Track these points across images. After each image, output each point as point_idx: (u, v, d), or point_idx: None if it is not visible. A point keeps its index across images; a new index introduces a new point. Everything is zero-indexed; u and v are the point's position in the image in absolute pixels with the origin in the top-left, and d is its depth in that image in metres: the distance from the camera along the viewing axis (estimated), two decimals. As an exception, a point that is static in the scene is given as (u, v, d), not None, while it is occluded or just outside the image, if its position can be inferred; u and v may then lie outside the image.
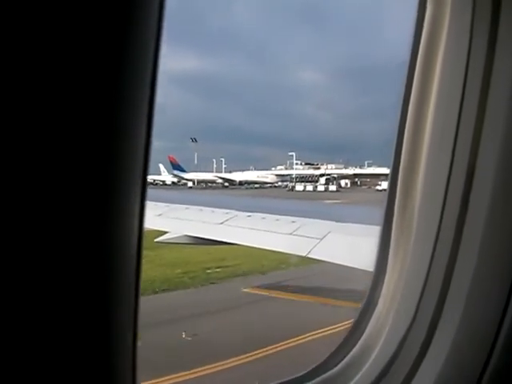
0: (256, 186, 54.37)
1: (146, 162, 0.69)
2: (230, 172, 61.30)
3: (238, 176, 59.80)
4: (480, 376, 1.32)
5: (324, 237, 6.75)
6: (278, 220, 7.76)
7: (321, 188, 50.55)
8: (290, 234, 7.37)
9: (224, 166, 62.21)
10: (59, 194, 0.61)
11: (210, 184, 54.83)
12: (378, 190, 48.44)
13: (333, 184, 56.49)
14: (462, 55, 1.33)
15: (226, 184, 56.51)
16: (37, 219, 0.60)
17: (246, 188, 53.16)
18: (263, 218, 7.83)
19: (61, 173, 0.61)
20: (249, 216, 7.96)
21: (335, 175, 60.01)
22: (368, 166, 59.74)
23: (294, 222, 7.69)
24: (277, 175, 61.09)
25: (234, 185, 56.58)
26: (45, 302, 0.63)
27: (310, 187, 51.52)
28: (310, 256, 6.95)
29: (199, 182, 54.11)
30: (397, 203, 1.49)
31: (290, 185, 51.57)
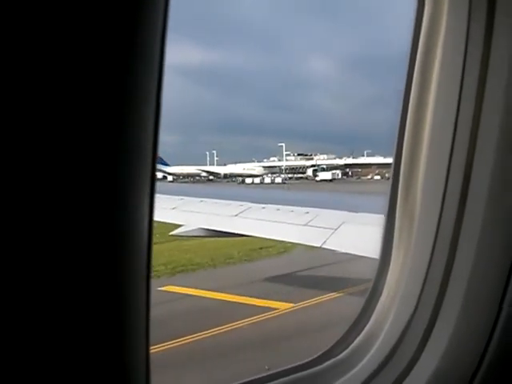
0: (233, 179, 55.15)
1: (154, 155, 0.71)
2: (225, 165, 61.31)
3: (222, 169, 59.80)
4: (478, 364, 1.44)
5: None
6: (292, 211, 8.16)
7: (267, 180, 54.41)
8: (305, 224, 7.79)
9: (216, 158, 62.15)
10: (68, 189, 0.63)
11: (197, 178, 54.85)
12: (317, 181, 52.62)
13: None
14: (459, 48, 1.40)
15: (211, 177, 56.52)
16: (46, 216, 0.62)
17: (227, 181, 54.05)
18: (277, 210, 8.23)
19: (70, 168, 0.63)
20: (263, 208, 8.34)
21: (324, 166, 60.38)
22: (368, 156, 60.20)
23: (307, 212, 8.11)
24: (264, 167, 61.04)
25: (219, 178, 56.62)
26: (55, 297, 0.64)
27: (267, 180, 54.61)
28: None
29: (183, 175, 54.04)
30: (399, 195, 1.56)
31: (240, 179, 54.14)
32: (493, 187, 1.38)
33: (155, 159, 0.71)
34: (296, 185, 47.67)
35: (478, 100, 1.38)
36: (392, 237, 1.59)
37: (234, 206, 8.44)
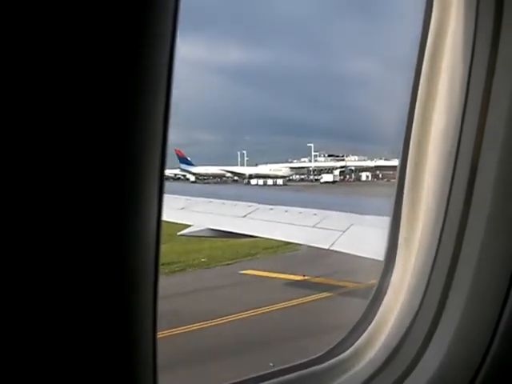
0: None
1: (162, 155, 0.72)
2: (256, 165, 61.53)
3: (247, 169, 59.95)
4: (479, 365, 1.46)
5: None
6: (301, 213, 8.35)
7: (270, 182, 56.39)
8: (313, 226, 7.98)
9: (246, 158, 62.36)
10: (76, 188, 0.65)
11: (224, 178, 55.24)
12: (321, 183, 53.28)
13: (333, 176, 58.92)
14: (467, 45, 1.43)
15: (236, 178, 56.81)
16: (56, 214, 0.64)
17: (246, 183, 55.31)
18: (286, 211, 8.43)
19: (78, 168, 0.64)
20: (271, 209, 8.56)
21: (352, 167, 59.98)
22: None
23: (315, 214, 8.29)
24: (291, 168, 61.02)
25: (245, 178, 56.85)
26: (64, 293, 0.66)
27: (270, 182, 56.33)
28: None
29: (208, 175, 54.38)
30: (405, 196, 1.61)
31: (246, 180, 55.23)
32: (498, 188, 1.40)
33: (164, 159, 0.73)
34: (296, 187, 48.28)
35: (484, 104, 1.41)
36: (397, 238, 1.65)
37: (243, 207, 8.67)
